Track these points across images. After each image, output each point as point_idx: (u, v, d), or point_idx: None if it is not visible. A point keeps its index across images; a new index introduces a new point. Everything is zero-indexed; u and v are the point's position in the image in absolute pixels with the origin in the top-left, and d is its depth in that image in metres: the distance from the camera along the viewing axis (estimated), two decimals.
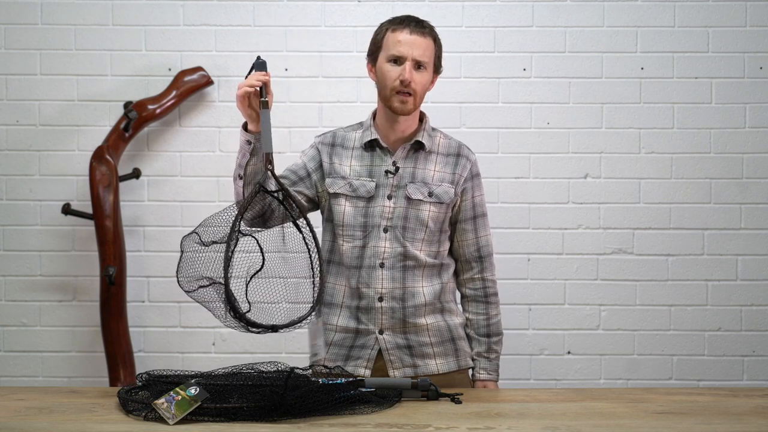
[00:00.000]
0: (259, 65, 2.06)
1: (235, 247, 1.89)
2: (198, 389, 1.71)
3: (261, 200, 2.03)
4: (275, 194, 2.01)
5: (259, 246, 1.95)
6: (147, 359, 3.16)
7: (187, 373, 1.85)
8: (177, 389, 1.71)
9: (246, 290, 1.92)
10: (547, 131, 3.20)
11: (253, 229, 2.02)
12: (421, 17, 2.18)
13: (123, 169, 3.13)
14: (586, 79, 3.19)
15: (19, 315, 3.20)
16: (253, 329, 1.86)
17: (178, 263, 1.90)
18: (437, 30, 2.16)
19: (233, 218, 1.91)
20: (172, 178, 3.20)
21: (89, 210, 3.06)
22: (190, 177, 3.20)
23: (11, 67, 3.19)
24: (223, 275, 1.84)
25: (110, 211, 3.01)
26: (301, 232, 1.99)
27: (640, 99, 3.19)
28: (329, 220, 2.19)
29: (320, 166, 2.20)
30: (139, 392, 1.83)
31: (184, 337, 3.20)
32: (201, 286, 1.90)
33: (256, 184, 1.99)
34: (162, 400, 1.69)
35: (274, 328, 1.87)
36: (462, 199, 2.20)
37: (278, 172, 2.09)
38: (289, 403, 1.68)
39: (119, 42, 3.19)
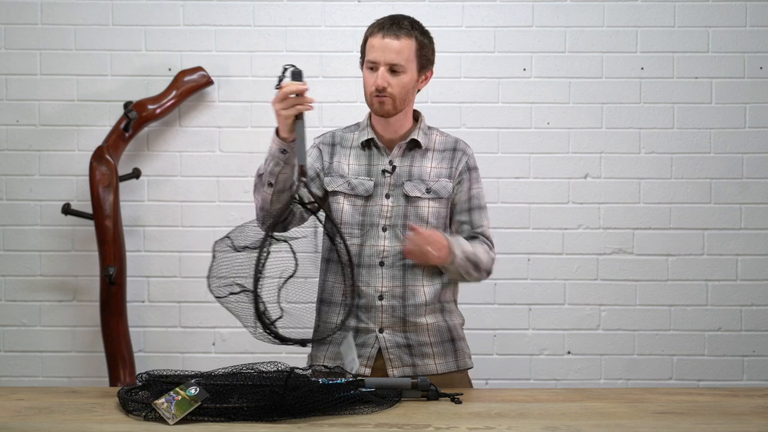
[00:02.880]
0: (296, 74, 2.02)
1: (266, 260, 1.90)
2: (198, 389, 1.71)
3: (287, 210, 2.06)
4: (309, 206, 2.05)
5: (292, 250, 1.96)
6: (147, 359, 3.16)
7: (187, 373, 1.85)
8: (177, 389, 1.71)
9: (278, 296, 1.95)
10: (547, 131, 3.20)
11: (286, 235, 2.03)
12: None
13: (123, 169, 3.13)
14: (586, 79, 3.19)
15: (19, 315, 3.20)
16: (281, 342, 1.90)
17: (210, 267, 1.91)
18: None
19: (267, 227, 1.94)
20: (172, 178, 3.20)
21: (89, 210, 3.06)
22: (190, 177, 3.20)
23: (11, 67, 3.19)
24: (253, 286, 1.86)
25: (110, 211, 3.01)
26: (334, 245, 2.04)
27: (640, 99, 3.19)
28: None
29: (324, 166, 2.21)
30: (139, 392, 1.83)
31: (184, 337, 3.20)
32: (232, 293, 1.91)
33: (290, 196, 2.02)
34: (162, 400, 1.69)
35: (303, 343, 1.91)
36: (457, 192, 2.19)
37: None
38: (289, 403, 1.68)
39: (119, 42, 3.19)
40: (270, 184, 2.05)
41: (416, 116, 2.22)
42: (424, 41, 2.13)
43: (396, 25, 2.09)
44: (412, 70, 2.11)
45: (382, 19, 2.13)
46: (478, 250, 2.14)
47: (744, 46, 3.18)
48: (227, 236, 1.93)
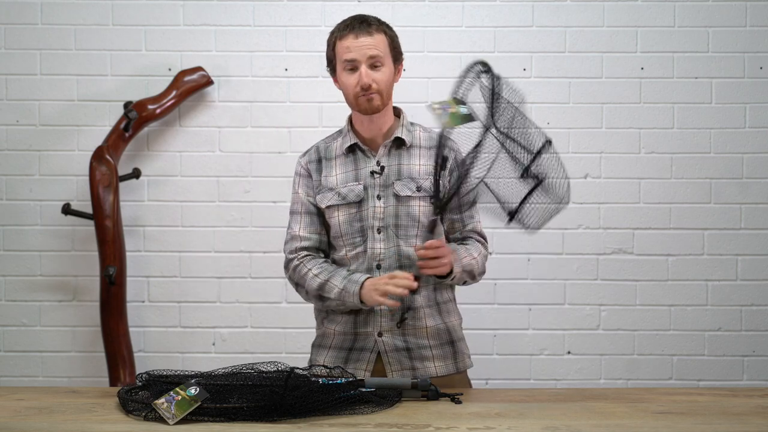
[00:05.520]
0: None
1: None
2: (198, 389, 1.71)
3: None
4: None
5: None
6: (147, 359, 3.16)
7: (187, 373, 1.85)
8: (177, 389, 1.71)
9: None
10: (547, 131, 3.19)
11: None
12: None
13: (123, 169, 3.13)
14: (586, 79, 3.19)
15: (19, 315, 3.20)
16: None
17: None
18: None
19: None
20: (172, 178, 3.20)
21: (89, 210, 3.06)
22: (190, 177, 3.20)
23: (11, 67, 3.19)
24: None
25: (110, 211, 3.01)
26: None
27: (640, 99, 3.19)
28: (328, 234, 2.19)
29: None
30: (139, 392, 1.83)
31: (184, 337, 3.20)
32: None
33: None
34: (162, 400, 1.69)
35: None
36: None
37: (295, 229, 2.16)
38: (289, 403, 1.68)
39: (119, 42, 3.19)
40: (322, 301, 2.13)
41: (397, 113, 2.21)
42: (393, 34, 2.14)
43: (364, 23, 2.09)
44: (389, 64, 2.12)
45: (346, 20, 2.12)
46: (473, 254, 2.14)
47: (744, 46, 3.18)
48: None
